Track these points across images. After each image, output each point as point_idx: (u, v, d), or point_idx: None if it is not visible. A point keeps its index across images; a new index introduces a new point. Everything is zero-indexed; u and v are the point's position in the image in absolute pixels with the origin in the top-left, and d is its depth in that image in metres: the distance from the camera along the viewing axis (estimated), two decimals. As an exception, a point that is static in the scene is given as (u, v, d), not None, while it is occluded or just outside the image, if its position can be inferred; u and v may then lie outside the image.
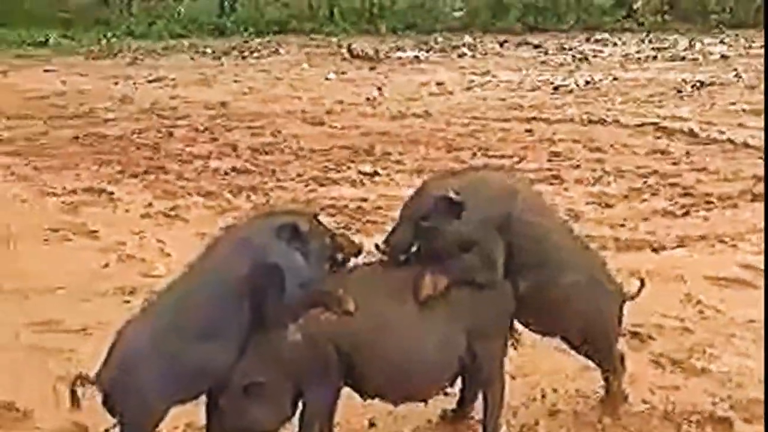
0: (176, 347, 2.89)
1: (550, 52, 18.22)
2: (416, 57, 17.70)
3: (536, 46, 19.04)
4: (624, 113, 11.08)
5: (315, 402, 3.15)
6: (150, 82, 14.67)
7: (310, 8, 24.17)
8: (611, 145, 9.23)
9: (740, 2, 23.30)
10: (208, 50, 19.25)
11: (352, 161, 8.72)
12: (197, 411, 3.20)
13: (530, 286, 3.39)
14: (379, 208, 6.91)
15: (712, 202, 7.08)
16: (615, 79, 14.19)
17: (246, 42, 20.63)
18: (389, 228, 3.44)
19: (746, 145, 9.05)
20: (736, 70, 14.73)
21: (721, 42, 19.24)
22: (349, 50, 17.94)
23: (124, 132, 10.30)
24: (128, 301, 4.86)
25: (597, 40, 20.06)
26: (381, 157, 8.88)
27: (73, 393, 2.93)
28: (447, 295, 3.26)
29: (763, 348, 4.40)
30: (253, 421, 3.05)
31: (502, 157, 8.79)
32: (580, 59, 16.86)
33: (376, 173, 8.16)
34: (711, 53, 17.46)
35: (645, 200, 7.23)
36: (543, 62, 16.69)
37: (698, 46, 18.54)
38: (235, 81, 14.72)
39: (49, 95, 13.23)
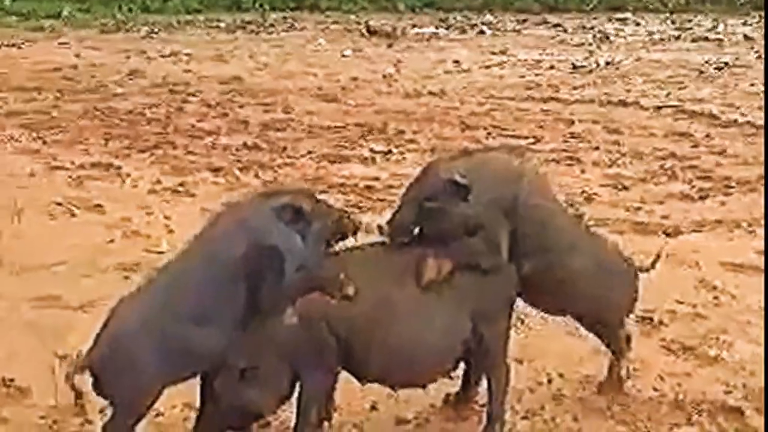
0: (169, 327, 2.80)
1: (570, 31, 17.98)
2: (434, 34, 17.52)
3: (556, 25, 18.80)
4: (644, 94, 10.91)
5: (312, 386, 3.08)
6: (163, 56, 14.56)
7: (330, -16, 23.94)
8: (630, 127, 9.09)
9: (765, -17, 22.94)
10: (223, 25, 19.13)
11: (365, 139, 8.62)
12: (195, 391, 3.12)
13: (535, 268, 3.31)
14: (390, 186, 6.77)
15: (730, 186, 6.94)
16: (637, 59, 13.98)
17: (262, 17, 20.48)
18: (399, 208, 3.36)
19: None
20: (758, 51, 14.49)
21: (745, 23, 18.94)
22: (367, 27, 17.76)
23: (134, 106, 10.21)
24: (129, 278, 4.77)
25: (619, 20, 19.79)
26: (394, 136, 8.76)
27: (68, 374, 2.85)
28: (450, 279, 3.16)
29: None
30: (247, 403, 2.98)
31: (518, 137, 8.66)
32: (601, 39, 16.62)
33: (389, 152, 8.04)
34: (735, 34, 17.17)
35: (662, 183, 7.10)
36: (562, 41, 16.47)
37: (722, 26, 18.25)
38: (250, 56, 14.58)
39: (61, 68, 13.12)
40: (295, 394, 3.11)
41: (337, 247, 3.09)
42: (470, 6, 22.09)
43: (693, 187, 6.94)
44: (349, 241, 3.17)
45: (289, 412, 3.21)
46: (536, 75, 12.55)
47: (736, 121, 9.30)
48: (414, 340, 3.11)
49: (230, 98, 10.84)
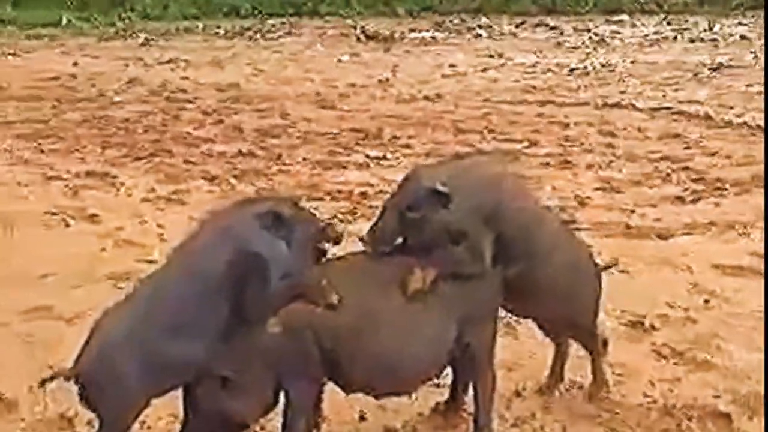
0: (153, 339, 2.79)
1: (567, 33, 18.02)
2: (432, 38, 17.55)
3: (553, 28, 18.84)
4: (640, 96, 10.93)
5: (297, 396, 3.06)
6: (161, 63, 14.61)
7: (326, -10, 24.00)
8: (624, 129, 9.11)
9: (761, -17, 22.97)
10: (222, 31, 19.18)
11: (360, 145, 8.63)
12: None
13: (516, 273, 3.32)
14: (384, 192, 6.73)
15: (724, 188, 6.93)
16: (632, 61, 14.01)
17: (260, 24, 20.51)
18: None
19: (762, 129, 8.86)
20: (754, 52, 14.49)
21: (740, 23, 18.95)
22: (364, 32, 17.80)
23: (131, 115, 10.25)
24: (121, 288, 4.74)
25: (616, 22, 19.82)
26: (389, 141, 8.78)
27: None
28: (435, 287, 3.16)
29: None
30: (230, 411, 2.97)
31: (513, 141, 8.68)
32: (597, 41, 16.66)
33: (384, 157, 8.05)
34: (731, 35, 17.19)
35: (655, 186, 7.10)
36: (559, 44, 16.49)
37: (717, 27, 18.27)
38: (247, 63, 14.63)
39: (60, 77, 13.19)
40: (281, 404, 3.11)
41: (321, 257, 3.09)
42: (467, 9, 22.13)
43: (686, 189, 6.94)
44: (335, 251, 3.18)
45: (276, 422, 3.20)
46: (532, 78, 12.57)
47: (730, 122, 9.31)
48: (398, 350, 3.10)
49: (227, 105, 10.88)
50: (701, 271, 5.28)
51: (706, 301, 4.84)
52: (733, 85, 11.61)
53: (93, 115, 10.15)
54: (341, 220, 6.09)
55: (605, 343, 3.79)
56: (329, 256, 3.12)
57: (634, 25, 19.30)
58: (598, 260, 3.79)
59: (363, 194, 6.85)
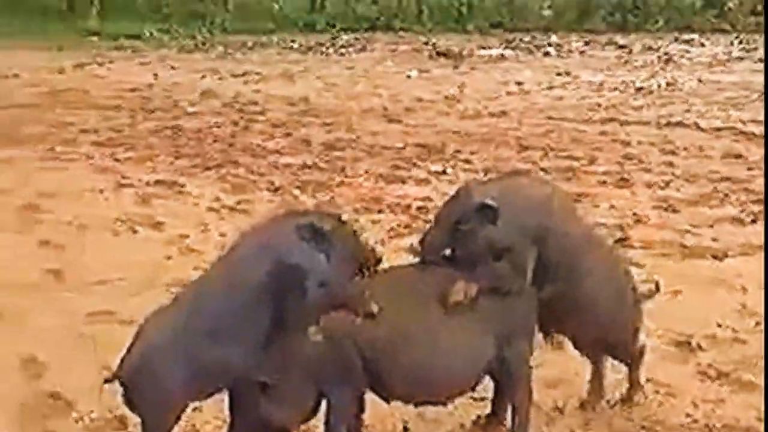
0: (195, 344, 2.91)
1: (636, 52, 17.95)
2: (501, 56, 17.63)
3: (622, 47, 18.76)
4: (704, 116, 10.89)
5: (338, 403, 3.16)
6: (235, 76, 14.92)
7: (399, 5, 24.24)
8: (686, 149, 9.09)
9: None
10: (296, 45, 19.47)
11: (423, 159, 8.75)
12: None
13: (555, 292, 3.41)
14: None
15: (783, 211, 6.90)
16: (699, 80, 13.92)
17: (334, 38, 20.78)
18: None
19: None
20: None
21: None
22: (434, 48, 17.95)
23: (203, 125, 10.51)
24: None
25: (685, 41, 19.69)
26: (451, 156, 8.89)
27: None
28: (475, 301, 3.25)
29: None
30: (270, 417, 3.07)
31: (573, 158, 8.72)
32: (665, 60, 16.58)
33: (444, 172, 8.17)
34: (803, 55, 16.95)
35: (714, 206, 7.09)
36: (627, 62, 16.47)
37: (789, 47, 18.01)
38: (318, 77, 14.86)
39: (138, 88, 13.54)
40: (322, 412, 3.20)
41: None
42: (538, 27, 22.15)
43: (744, 210, 6.92)
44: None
45: (319, 429, 3.29)
46: (597, 96, 12.59)
47: (795, 143, 9.22)
48: (434, 362, 3.19)
49: (296, 118, 11.09)
50: (754, 292, 5.26)
51: (757, 323, 4.82)
52: (801, 106, 11.46)
53: (166, 125, 10.45)
54: (397, 234, 6.23)
55: (641, 353, 3.85)
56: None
57: (703, 45, 19.14)
58: (644, 283, 3.86)
59: (420, 208, 6.96)
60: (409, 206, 7.05)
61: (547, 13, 23.49)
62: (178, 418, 3.03)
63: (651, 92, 12.87)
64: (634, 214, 6.80)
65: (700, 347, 4.54)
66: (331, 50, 18.88)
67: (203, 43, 19.91)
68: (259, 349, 2.97)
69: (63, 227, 6.52)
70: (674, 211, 6.94)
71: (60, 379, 4.12)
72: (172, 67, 16.09)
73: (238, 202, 7.20)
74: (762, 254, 5.93)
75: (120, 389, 3.00)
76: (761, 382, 4.17)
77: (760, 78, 13.95)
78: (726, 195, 7.34)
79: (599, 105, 11.81)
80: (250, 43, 20.06)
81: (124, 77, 14.65)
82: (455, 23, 23.17)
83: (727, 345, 4.59)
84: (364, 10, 24.24)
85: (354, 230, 3.14)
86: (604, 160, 8.66)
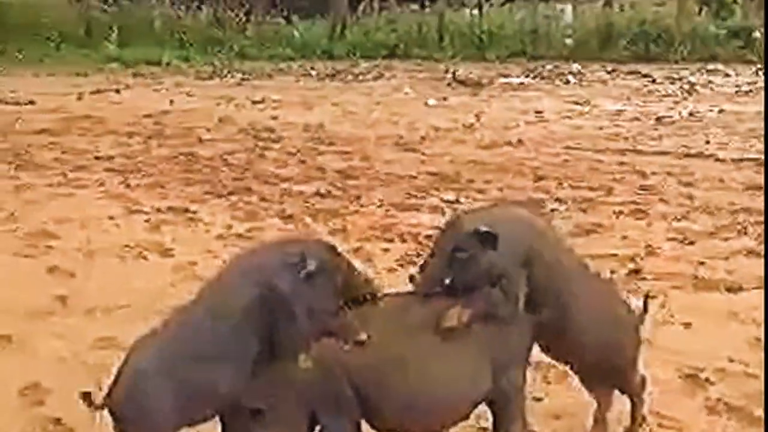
0: (182, 369, 2.89)
1: (658, 81, 17.86)
2: (521, 84, 17.59)
3: (645, 76, 18.68)
4: (723, 147, 10.77)
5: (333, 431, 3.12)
6: (252, 103, 14.95)
7: (420, 33, 24.30)
8: (705, 180, 8.98)
9: None
10: (314, 73, 19.53)
11: (437, 188, 8.70)
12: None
13: (548, 318, 3.38)
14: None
15: (802, 244, 6.79)
16: (721, 111, 13.80)
17: (352, 66, 20.84)
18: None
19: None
20: None
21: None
22: (454, 76, 17.95)
23: (217, 152, 10.51)
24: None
25: (709, 71, 19.57)
26: (466, 185, 8.84)
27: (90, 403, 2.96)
28: (469, 328, 3.21)
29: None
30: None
31: (589, 188, 8.64)
32: (687, 90, 16.47)
33: (457, 201, 8.11)
34: (827, 87, 16.81)
35: (730, 238, 6.97)
36: (649, 92, 16.37)
37: (816, 78, 17.88)
38: (335, 104, 14.86)
39: (154, 114, 13.59)
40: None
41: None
42: (560, 56, 22.14)
43: (761, 242, 6.79)
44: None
45: None
46: (616, 126, 12.49)
47: (817, 176, 9.10)
48: (427, 390, 3.15)
49: (311, 145, 11.06)
50: None
51: (769, 357, 4.76)
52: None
53: (180, 152, 10.45)
54: (408, 262, 6.18)
55: (644, 381, 3.81)
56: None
57: (727, 75, 19.02)
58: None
59: (430, 237, 6.88)
60: (419, 234, 7.00)
61: (569, 41, 23.49)
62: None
63: (672, 122, 12.77)
64: (648, 245, 6.71)
65: (709, 381, 4.47)
66: (349, 77, 18.92)
67: (221, 70, 20.01)
68: (248, 375, 2.96)
69: (72, 253, 6.53)
70: (690, 242, 6.84)
71: (62, 406, 4.10)
72: (189, 94, 16.16)
73: (249, 230, 7.17)
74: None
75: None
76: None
77: (784, 108, 13.86)
78: (744, 227, 7.22)
79: (618, 135, 11.72)
80: (268, 70, 20.15)
81: (140, 103, 14.71)
82: (476, 51, 23.19)
83: (737, 379, 4.51)
84: (384, 37, 24.31)
85: (346, 259, 3.11)
86: (621, 190, 8.57)
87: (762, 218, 7.50)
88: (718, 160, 10.02)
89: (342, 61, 21.95)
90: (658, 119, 13.01)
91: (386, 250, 6.68)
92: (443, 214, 7.39)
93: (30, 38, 22.60)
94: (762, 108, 13.45)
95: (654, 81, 17.96)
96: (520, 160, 10.08)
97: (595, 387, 3.83)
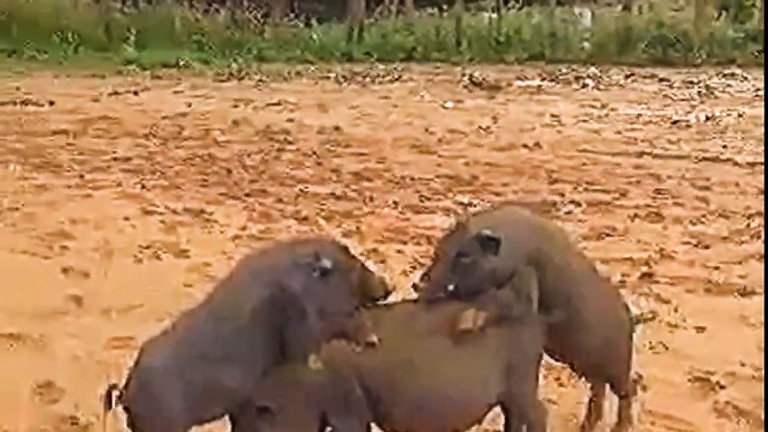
0: (194, 368, 2.91)
1: (676, 85, 17.81)
2: (538, 87, 17.58)
3: (663, 80, 18.62)
4: (740, 151, 10.75)
5: (343, 432, 3.15)
6: (269, 105, 15.01)
7: (437, 36, 24.31)
8: (721, 184, 8.96)
9: None
10: (332, 75, 19.58)
11: (451, 191, 8.71)
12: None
13: (558, 319, 3.40)
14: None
15: (817, 248, 6.76)
16: (739, 115, 13.75)
17: (370, 69, 20.88)
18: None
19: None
20: None
21: None
22: (471, 79, 17.95)
23: (233, 154, 10.56)
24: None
25: (727, 75, 19.48)
26: (480, 188, 8.85)
27: (108, 402, 2.99)
28: (482, 331, 3.21)
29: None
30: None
31: (605, 191, 8.64)
32: (705, 94, 16.42)
33: (471, 203, 8.12)
34: None
35: (745, 242, 6.95)
36: (666, 96, 16.32)
37: (835, 82, 17.78)
38: (352, 107, 14.89)
39: (172, 116, 13.67)
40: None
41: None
42: (578, 59, 22.10)
43: (775, 247, 6.80)
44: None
45: None
46: (633, 130, 12.46)
47: (833, 179, 9.06)
48: (439, 393, 3.15)
49: (327, 147, 11.10)
50: (780, 330, 5.18)
51: (780, 361, 4.75)
52: (841, 142, 11.28)
53: (197, 154, 10.51)
54: (421, 264, 6.18)
55: (636, 383, 3.88)
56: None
57: (745, 79, 18.92)
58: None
59: (441, 239, 6.92)
60: (432, 236, 6.99)
61: (587, 45, 23.44)
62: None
63: (689, 126, 12.74)
64: (662, 249, 6.70)
65: (720, 384, 4.47)
66: (367, 80, 18.96)
67: (239, 72, 20.08)
68: (258, 374, 2.98)
69: (88, 253, 6.57)
70: (705, 246, 6.83)
71: (78, 405, 4.14)
72: (207, 96, 16.24)
73: (264, 231, 7.20)
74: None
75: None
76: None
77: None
78: (758, 231, 7.19)
79: (635, 138, 11.70)
80: (286, 73, 20.21)
81: (158, 105, 14.81)
82: (494, 54, 23.18)
83: (747, 383, 4.50)
84: (402, 40, 24.33)
85: (360, 260, 3.12)
86: (637, 194, 8.57)
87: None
88: (735, 164, 9.99)
89: (359, 64, 22.00)
90: (675, 123, 12.98)
91: (400, 252, 6.70)
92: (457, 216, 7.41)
93: (49, 40, 22.77)
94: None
95: (672, 85, 17.90)
96: (536, 163, 10.09)
97: (591, 382, 3.90)
